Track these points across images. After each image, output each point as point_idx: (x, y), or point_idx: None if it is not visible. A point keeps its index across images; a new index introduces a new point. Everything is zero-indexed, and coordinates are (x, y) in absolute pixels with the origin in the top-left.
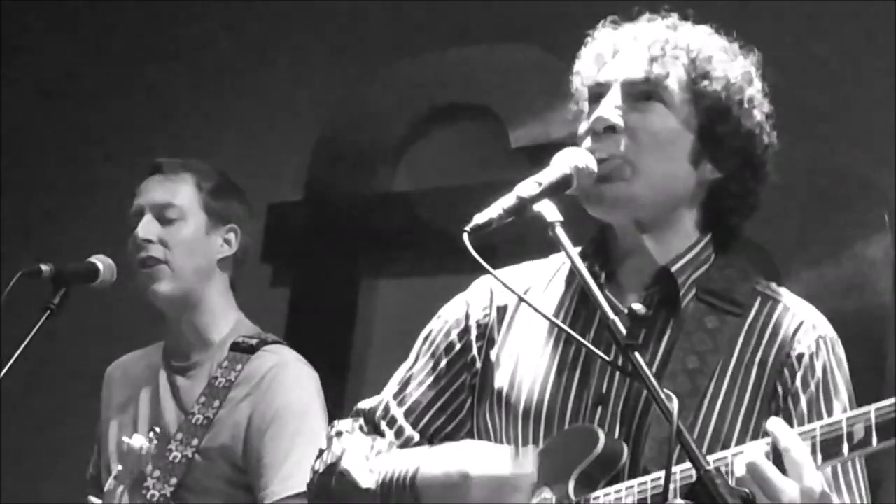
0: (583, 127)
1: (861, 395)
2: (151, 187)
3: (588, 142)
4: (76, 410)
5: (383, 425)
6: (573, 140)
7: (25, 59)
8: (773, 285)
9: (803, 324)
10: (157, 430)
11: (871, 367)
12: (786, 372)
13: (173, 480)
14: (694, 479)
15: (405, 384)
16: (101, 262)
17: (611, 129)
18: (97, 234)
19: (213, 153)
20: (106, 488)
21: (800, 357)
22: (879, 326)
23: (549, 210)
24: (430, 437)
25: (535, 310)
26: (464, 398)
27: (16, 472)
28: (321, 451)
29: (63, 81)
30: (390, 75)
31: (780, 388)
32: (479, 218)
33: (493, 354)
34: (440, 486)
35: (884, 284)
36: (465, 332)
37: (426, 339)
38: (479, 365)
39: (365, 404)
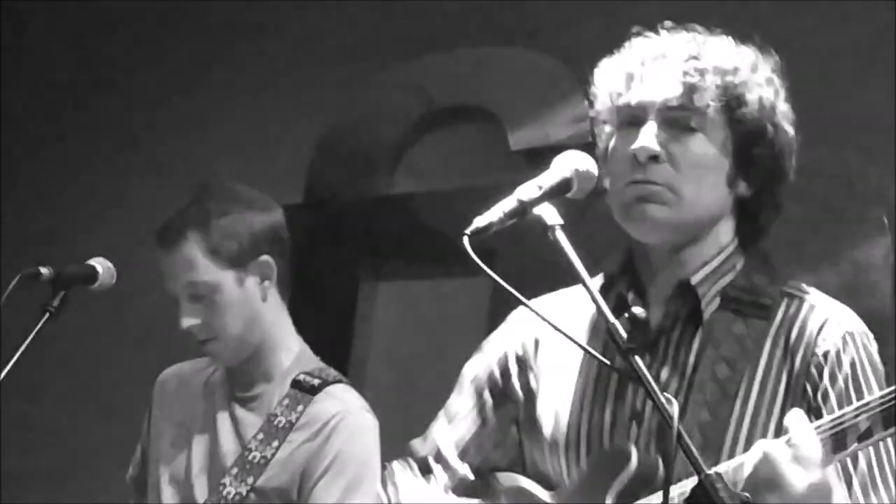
0: (615, 148)
1: None
2: (168, 270)
3: (628, 169)
4: (76, 414)
5: (434, 466)
6: (573, 142)
7: (26, 63)
8: (803, 285)
9: (828, 321)
10: (240, 487)
11: None
12: (813, 370)
13: None
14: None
15: (453, 422)
16: (100, 264)
17: (654, 158)
18: (96, 237)
19: (213, 156)
20: None
21: (826, 354)
22: (879, 330)
23: (549, 213)
24: (484, 475)
25: (559, 330)
26: (512, 432)
27: (16, 474)
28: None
29: (63, 82)
30: (390, 78)
31: (808, 388)
32: (480, 221)
33: (532, 385)
34: None
35: (883, 288)
36: (505, 366)
37: (470, 375)
38: (521, 397)
39: (416, 444)
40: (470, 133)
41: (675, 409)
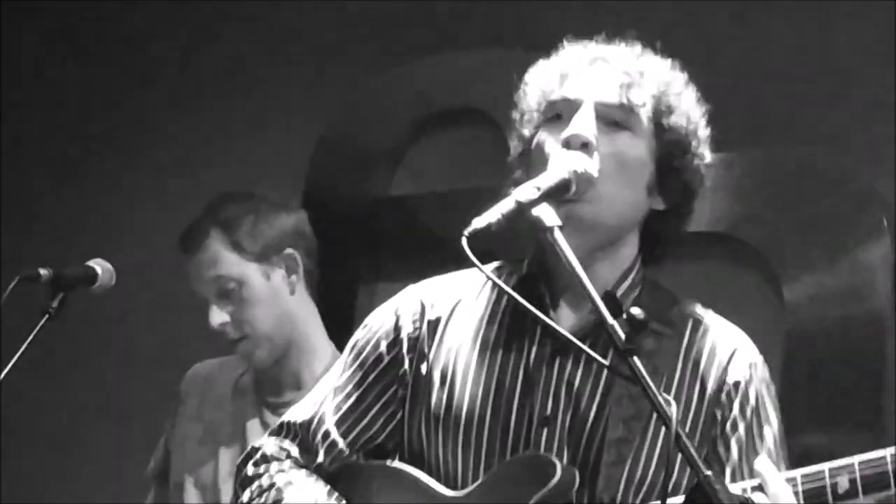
0: (531, 131)
1: (860, 401)
2: (195, 270)
3: (556, 154)
4: (76, 413)
5: (318, 440)
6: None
7: (25, 64)
8: (699, 307)
9: (736, 351)
10: None
11: (869, 373)
12: (723, 399)
13: None
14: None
15: (334, 395)
16: (99, 266)
17: (585, 146)
18: (96, 238)
19: (212, 158)
20: None
21: (736, 385)
22: (878, 332)
23: (547, 214)
24: (360, 449)
25: (561, 332)
26: (393, 410)
27: (15, 475)
28: (248, 476)
29: (63, 83)
30: (388, 79)
31: (718, 415)
32: (478, 222)
33: (424, 368)
34: None
35: (882, 290)
36: (395, 344)
37: (353, 349)
38: (410, 378)
39: (297, 416)
40: (468, 135)
41: (673, 411)
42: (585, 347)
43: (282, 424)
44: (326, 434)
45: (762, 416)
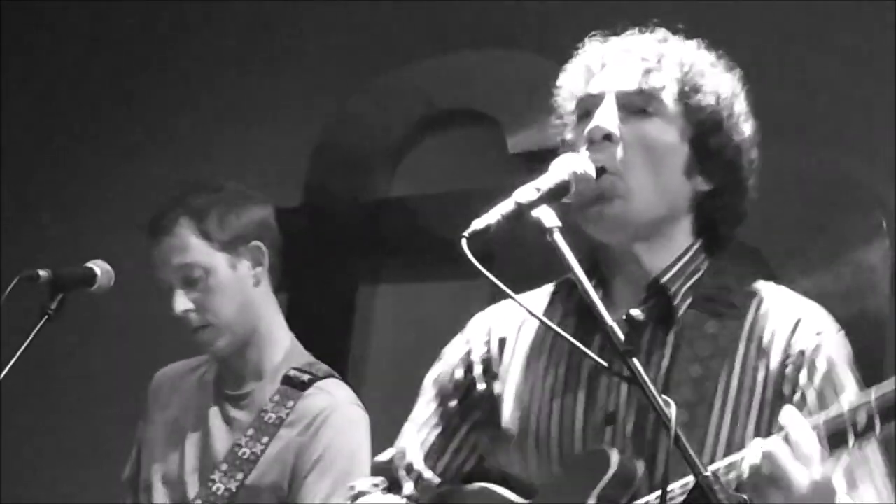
0: (570, 135)
1: None
2: (162, 254)
3: (584, 151)
4: (75, 416)
5: (401, 474)
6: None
7: (26, 63)
8: (771, 285)
9: (802, 320)
10: (229, 483)
11: (869, 374)
12: (789, 371)
13: None
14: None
15: (418, 430)
16: (98, 267)
17: (608, 137)
18: (94, 239)
19: (212, 159)
20: None
21: (801, 353)
22: (877, 332)
23: (547, 216)
24: (453, 477)
25: (545, 323)
26: (477, 436)
27: (14, 477)
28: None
29: (63, 84)
30: (388, 81)
31: (785, 388)
32: (478, 224)
33: (496, 388)
34: None
35: (882, 290)
36: (469, 369)
37: (434, 382)
38: (486, 400)
39: (381, 457)
40: (468, 136)
41: (672, 412)
42: (588, 351)
43: (373, 464)
44: (409, 467)
45: (836, 383)
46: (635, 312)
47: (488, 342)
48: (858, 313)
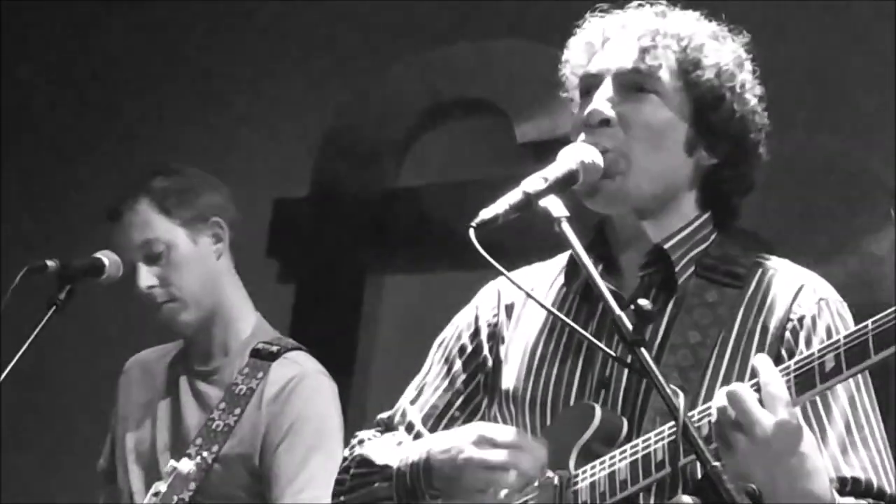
0: (575, 118)
1: None
2: (124, 234)
3: (582, 135)
4: (81, 406)
5: (401, 430)
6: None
7: (28, 57)
8: (775, 257)
9: (803, 287)
10: (205, 455)
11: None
12: (788, 335)
13: (192, 485)
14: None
15: (421, 390)
16: (106, 257)
17: (605, 121)
18: (101, 231)
19: (219, 150)
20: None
21: (801, 319)
22: None
23: (555, 205)
24: None
25: (539, 303)
26: (479, 399)
27: (19, 467)
28: (344, 458)
29: (66, 76)
30: (396, 71)
31: (784, 353)
32: (485, 213)
33: (502, 352)
34: (450, 466)
35: (889, 280)
36: (476, 333)
37: (440, 345)
38: (490, 364)
39: (384, 414)
40: (476, 126)
41: (681, 401)
42: (590, 337)
43: (375, 421)
44: (410, 425)
45: None
46: (643, 302)
47: (496, 307)
48: (865, 303)
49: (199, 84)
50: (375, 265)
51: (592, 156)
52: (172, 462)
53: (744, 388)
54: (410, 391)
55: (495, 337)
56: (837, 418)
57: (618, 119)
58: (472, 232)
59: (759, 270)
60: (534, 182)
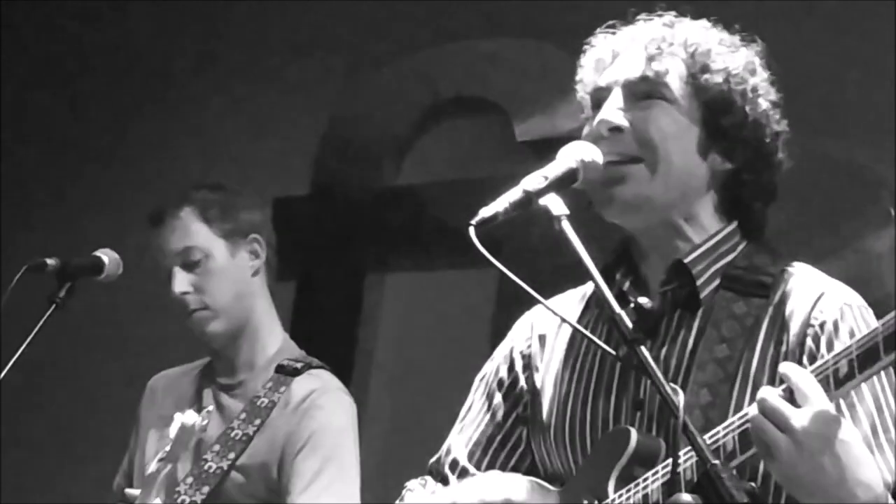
0: (588, 132)
1: None
2: (164, 239)
3: (595, 147)
4: (81, 405)
5: (446, 470)
6: (579, 133)
7: (27, 54)
8: (802, 265)
9: (825, 294)
10: (210, 409)
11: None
12: (809, 341)
13: (205, 489)
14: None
15: (464, 426)
16: (106, 255)
17: (616, 129)
18: (102, 229)
19: (220, 149)
20: (148, 471)
21: (822, 325)
22: None
23: (555, 204)
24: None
25: (558, 315)
26: (521, 431)
27: (19, 466)
28: None
29: (66, 76)
30: (396, 69)
31: (806, 359)
32: (485, 212)
33: (538, 382)
34: None
35: (889, 279)
36: (512, 365)
37: (481, 380)
38: (528, 395)
39: (433, 458)
40: (476, 124)
41: (680, 399)
42: (594, 338)
43: (428, 467)
44: (454, 463)
45: None
46: (643, 300)
47: (530, 338)
48: (866, 301)
49: (199, 83)
50: (375, 263)
51: (593, 154)
52: (177, 415)
53: (772, 392)
54: (455, 429)
55: (530, 367)
56: (863, 420)
57: (629, 127)
58: (471, 230)
59: (784, 279)
60: (534, 180)
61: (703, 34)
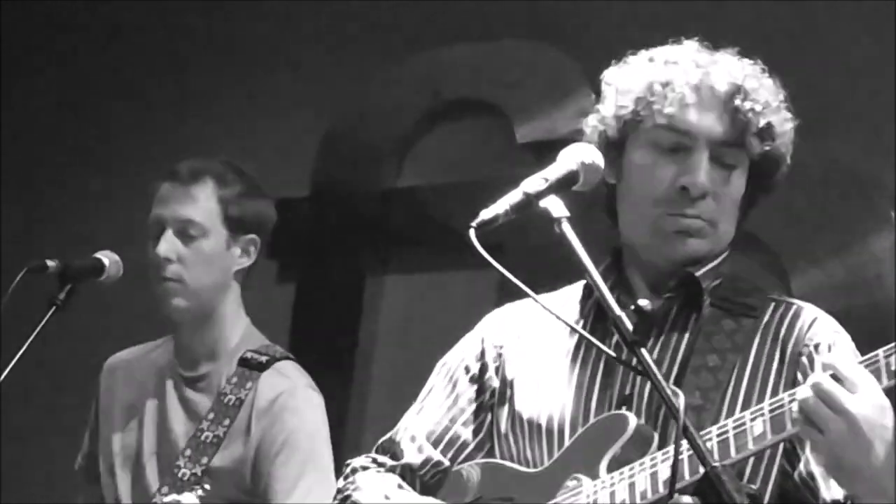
0: (656, 169)
1: None
2: (172, 199)
3: (673, 197)
4: (82, 406)
5: (404, 444)
6: (578, 136)
7: (28, 57)
8: (783, 295)
9: (818, 319)
10: (207, 487)
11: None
12: (804, 360)
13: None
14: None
15: (423, 408)
16: (106, 257)
17: (704, 195)
18: (102, 230)
19: (220, 149)
20: None
21: (818, 346)
22: (885, 323)
23: (555, 206)
24: (452, 458)
25: (546, 307)
26: (483, 418)
27: (20, 467)
28: (338, 491)
29: (66, 76)
30: (396, 71)
31: (800, 376)
32: (486, 214)
33: (509, 375)
34: None
35: (889, 281)
36: (482, 355)
37: (442, 366)
38: (496, 385)
39: (383, 437)
40: (476, 126)
41: (681, 402)
42: (593, 339)
43: (376, 446)
44: (413, 438)
45: None
46: (643, 302)
47: (502, 331)
48: (866, 304)
49: (198, 84)
50: (375, 265)
51: (593, 156)
52: (173, 496)
53: (828, 378)
54: (412, 410)
55: (501, 359)
56: None
57: (711, 192)
58: (472, 232)
59: (772, 305)
60: (534, 182)
61: (769, 93)
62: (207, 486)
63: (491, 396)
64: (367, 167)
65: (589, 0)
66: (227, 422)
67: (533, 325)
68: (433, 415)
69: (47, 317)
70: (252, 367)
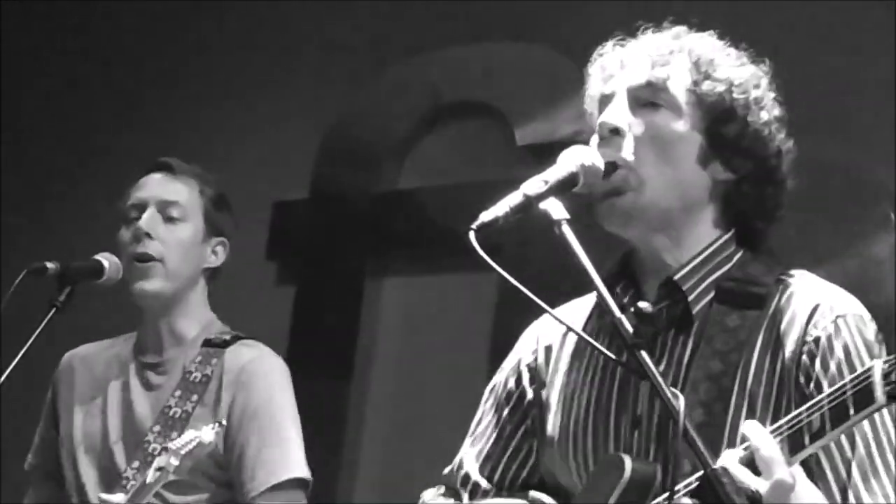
0: (592, 140)
1: None
2: (157, 183)
3: (595, 148)
4: None
5: (458, 485)
6: (579, 138)
7: (27, 58)
8: (799, 272)
9: (819, 306)
10: (223, 423)
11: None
12: (804, 358)
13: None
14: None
15: (475, 439)
16: (106, 259)
17: (615, 131)
18: (102, 233)
19: (219, 152)
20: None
21: (817, 340)
22: (885, 325)
23: (555, 208)
24: (508, 486)
25: (562, 322)
26: (530, 444)
27: (20, 470)
28: None
29: (66, 76)
30: (396, 73)
31: (801, 377)
32: (485, 216)
33: (544, 395)
34: None
35: (889, 283)
36: (519, 378)
37: (490, 392)
38: (535, 407)
39: (446, 469)
40: (476, 128)
41: (681, 404)
42: (595, 343)
43: (442, 478)
44: (466, 477)
45: (856, 368)
46: (643, 305)
47: (535, 350)
48: (866, 306)
49: (199, 86)
50: (375, 268)
51: (593, 158)
52: (101, 495)
53: (729, 462)
54: (466, 441)
55: (536, 381)
56: (860, 444)
57: (629, 130)
58: (472, 234)
59: (780, 289)
60: (534, 184)
61: (707, 44)
62: (224, 422)
63: (532, 422)
64: (366, 169)
65: (589, 2)
66: (194, 398)
67: (561, 337)
68: (484, 448)
69: (47, 318)
70: (216, 345)
